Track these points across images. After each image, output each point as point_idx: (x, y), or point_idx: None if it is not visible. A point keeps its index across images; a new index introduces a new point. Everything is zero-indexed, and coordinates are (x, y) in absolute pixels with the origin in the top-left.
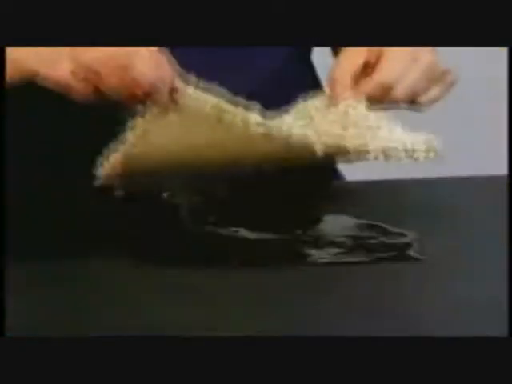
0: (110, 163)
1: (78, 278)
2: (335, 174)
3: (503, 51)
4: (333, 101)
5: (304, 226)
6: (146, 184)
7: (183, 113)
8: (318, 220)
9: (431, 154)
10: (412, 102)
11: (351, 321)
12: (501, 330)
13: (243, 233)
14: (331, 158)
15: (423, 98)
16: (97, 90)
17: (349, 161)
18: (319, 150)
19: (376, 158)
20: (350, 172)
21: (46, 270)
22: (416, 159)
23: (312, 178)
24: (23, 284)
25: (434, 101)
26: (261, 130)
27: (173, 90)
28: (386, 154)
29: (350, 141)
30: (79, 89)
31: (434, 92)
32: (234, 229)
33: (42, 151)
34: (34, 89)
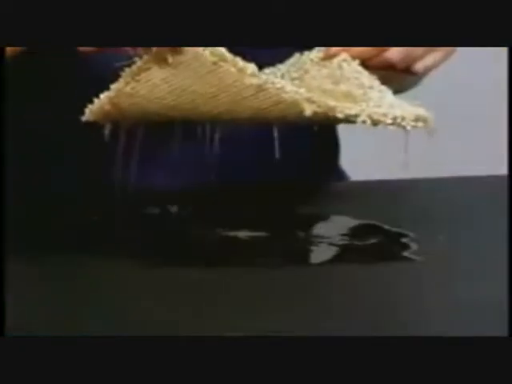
0: (99, 100)
1: (77, 277)
2: (338, 175)
3: (503, 51)
4: (328, 55)
5: (304, 226)
6: (135, 120)
7: (181, 55)
8: (317, 220)
9: (419, 124)
10: (407, 69)
11: (350, 321)
12: (501, 330)
13: (243, 233)
14: (319, 117)
15: (419, 65)
16: None
17: (336, 122)
18: (308, 108)
19: (363, 122)
20: (351, 172)
21: (46, 270)
22: (404, 127)
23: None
24: (23, 284)
25: (430, 68)
26: (254, 80)
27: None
28: (374, 120)
29: (340, 103)
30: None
31: (430, 59)
32: (234, 229)
33: (41, 151)
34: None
